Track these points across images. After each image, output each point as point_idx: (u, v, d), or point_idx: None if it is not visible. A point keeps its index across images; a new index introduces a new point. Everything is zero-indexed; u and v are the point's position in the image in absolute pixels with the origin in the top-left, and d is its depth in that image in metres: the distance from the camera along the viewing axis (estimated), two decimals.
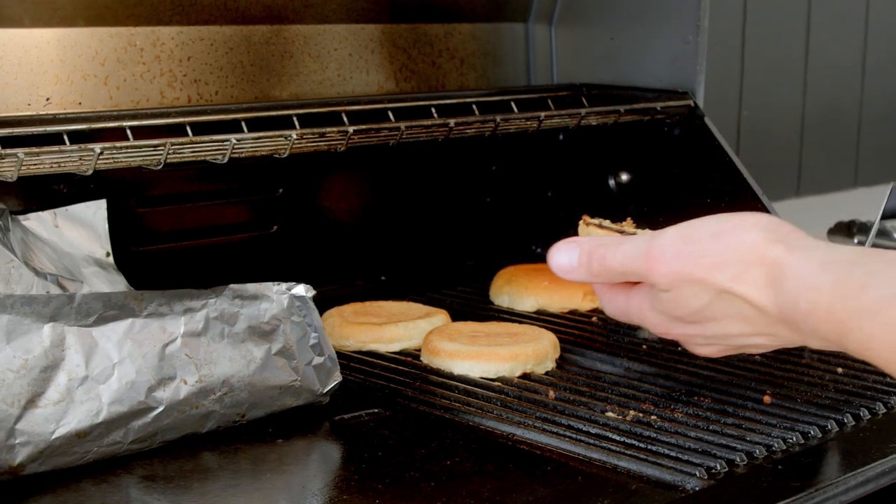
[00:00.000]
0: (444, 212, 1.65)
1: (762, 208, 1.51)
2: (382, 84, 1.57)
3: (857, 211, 2.28)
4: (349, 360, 1.26)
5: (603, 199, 1.65)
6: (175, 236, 1.39)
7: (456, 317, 1.40)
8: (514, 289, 1.50)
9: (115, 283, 1.20)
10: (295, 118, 1.32)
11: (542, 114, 1.39)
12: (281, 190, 1.46)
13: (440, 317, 1.35)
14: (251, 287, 1.02)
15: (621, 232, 1.03)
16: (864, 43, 2.58)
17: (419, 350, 1.29)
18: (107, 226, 1.23)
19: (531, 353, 1.24)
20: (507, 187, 1.70)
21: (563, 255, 0.99)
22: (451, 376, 1.22)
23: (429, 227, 1.64)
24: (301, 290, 1.05)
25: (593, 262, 0.96)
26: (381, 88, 1.57)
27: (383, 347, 1.30)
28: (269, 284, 1.03)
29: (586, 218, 1.08)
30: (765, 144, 2.38)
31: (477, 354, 1.22)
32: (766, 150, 2.39)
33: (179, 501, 0.92)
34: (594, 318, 1.44)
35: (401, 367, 1.25)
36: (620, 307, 0.99)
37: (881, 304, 0.80)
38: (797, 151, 2.48)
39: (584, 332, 1.38)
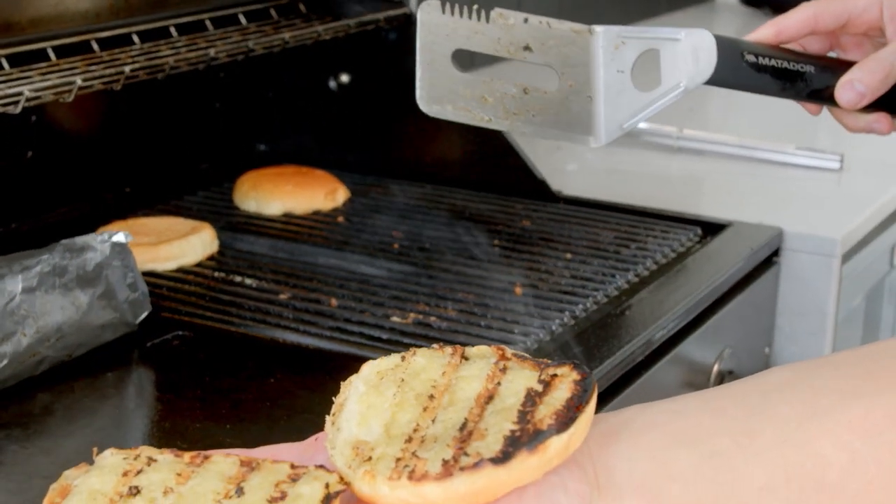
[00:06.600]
0: (178, 120, 1.73)
1: None
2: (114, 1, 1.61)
3: None
4: None
5: (325, 99, 1.77)
6: None
7: (214, 225, 1.50)
8: (260, 194, 1.61)
9: None
10: (50, 50, 1.38)
11: (287, 35, 1.49)
12: (34, 117, 1.50)
13: (207, 231, 1.45)
14: (79, 240, 1.10)
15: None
16: None
17: (195, 266, 1.39)
18: None
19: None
20: (233, 91, 1.79)
21: None
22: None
23: (164, 136, 1.71)
24: (121, 237, 1.13)
25: None
26: (112, 6, 1.61)
27: (160, 266, 1.39)
28: (94, 235, 1.11)
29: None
30: None
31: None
32: None
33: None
34: (339, 219, 1.58)
35: (188, 287, 1.35)
36: None
37: None
38: None
39: (334, 234, 1.52)
